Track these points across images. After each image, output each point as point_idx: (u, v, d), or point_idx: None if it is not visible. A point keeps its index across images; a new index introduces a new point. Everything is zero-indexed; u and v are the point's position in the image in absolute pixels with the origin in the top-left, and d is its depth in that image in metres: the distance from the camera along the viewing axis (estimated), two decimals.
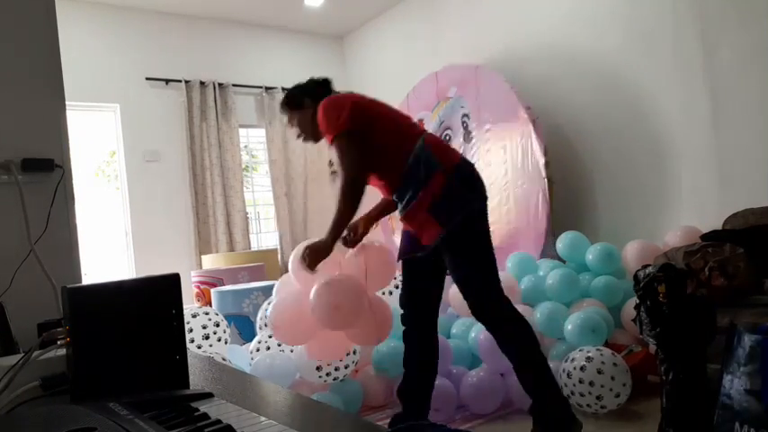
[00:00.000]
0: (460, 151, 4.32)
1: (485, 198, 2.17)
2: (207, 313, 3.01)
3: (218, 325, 2.99)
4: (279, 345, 2.83)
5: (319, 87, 2.36)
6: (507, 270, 3.39)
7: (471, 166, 2.22)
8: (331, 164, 2.03)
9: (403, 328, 2.32)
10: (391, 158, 2.17)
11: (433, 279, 2.28)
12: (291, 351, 2.77)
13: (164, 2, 4.97)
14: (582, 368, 2.40)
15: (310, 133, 2.35)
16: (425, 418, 2.30)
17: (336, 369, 2.62)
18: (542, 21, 4.22)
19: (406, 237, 2.27)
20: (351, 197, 2.12)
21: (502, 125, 4.06)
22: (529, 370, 2.13)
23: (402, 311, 2.33)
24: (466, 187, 2.11)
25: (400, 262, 2.32)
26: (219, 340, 2.98)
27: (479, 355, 2.82)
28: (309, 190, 5.77)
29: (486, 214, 2.18)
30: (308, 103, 2.32)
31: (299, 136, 2.42)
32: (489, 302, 2.12)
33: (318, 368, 2.59)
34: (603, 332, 2.83)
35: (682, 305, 1.91)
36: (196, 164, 5.14)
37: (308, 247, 2.28)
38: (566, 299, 3.11)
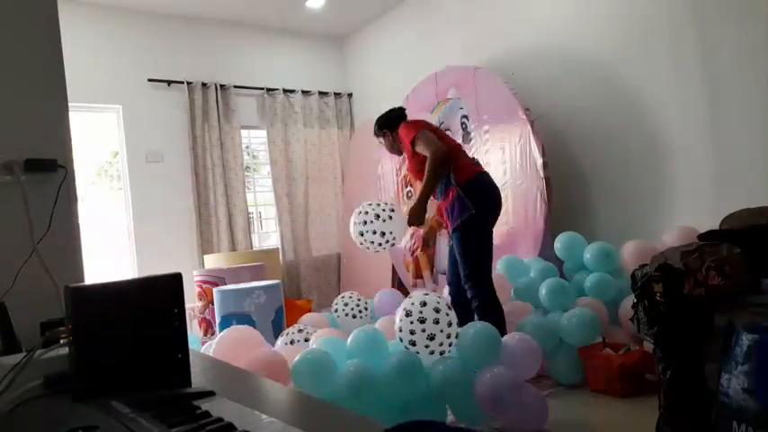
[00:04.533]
0: None
1: (487, 209, 2.89)
2: None
3: None
4: None
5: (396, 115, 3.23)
6: (498, 270, 3.49)
7: (480, 183, 2.91)
8: (409, 195, 3.31)
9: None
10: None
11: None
12: None
13: (166, 4, 4.98)
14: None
15: (393, 147, 3.25)
16: None
17: None
18: (541, 22, 4.23)
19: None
20: (437, 171, 2.86)
21: (500, 126, 4.07)
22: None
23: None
24: (471, 199, 2.84)
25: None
26: None
27: None
28: (310, 190, 5.78)
29: (487, 219, 2.92)
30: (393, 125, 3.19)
31: (390, 149, 3.30)
32: (472, 281, 2.87)
33: None
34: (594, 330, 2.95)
35: (679, 304, 1.92)
36: (198, 164, 5.15)
37: (409, 215, 2.98)
38: (558, 307, 3.18)
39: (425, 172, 2.84)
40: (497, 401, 2.32)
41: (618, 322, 3.22)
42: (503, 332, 2.71)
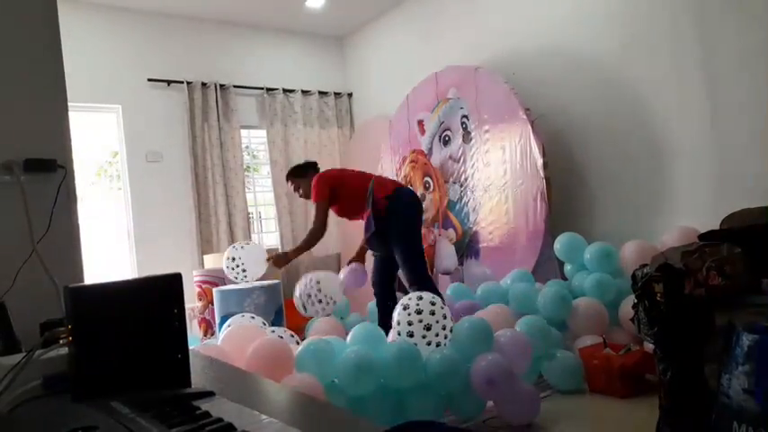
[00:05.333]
0: (460, 152, 4.43)
1: (404, 216, 3.39)
2: None
3: None
4: None
5: (311, 166, 3.75)
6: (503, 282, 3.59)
7: (396, 199, 3.39)
8: (300, 195, 3.77)
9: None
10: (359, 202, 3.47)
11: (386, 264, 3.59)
12: None
13: (165, 3, 4.97)
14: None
15: (308, 194, 3.62)
16: None
17: None
18: (541, 22, 4.22)
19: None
20: (313, 242, 3.55)
21: (501, 126, 4.07)
22: None
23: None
24: (387, 211, 3.35)
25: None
26: None
27: None
28: None
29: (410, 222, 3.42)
30: (310, 174, 3.63)
31: (301, 195, 3.72)
32: (409, 279, 3.33)
33: None
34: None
35: (679, 305, 1.91)
36: (198, 164, 5.15)
37: (272, 257, 3.71)
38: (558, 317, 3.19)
39: (304, 241, 3.57)
40: (491, 382, 2.40)
41: (618, 322, 3.22)
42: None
